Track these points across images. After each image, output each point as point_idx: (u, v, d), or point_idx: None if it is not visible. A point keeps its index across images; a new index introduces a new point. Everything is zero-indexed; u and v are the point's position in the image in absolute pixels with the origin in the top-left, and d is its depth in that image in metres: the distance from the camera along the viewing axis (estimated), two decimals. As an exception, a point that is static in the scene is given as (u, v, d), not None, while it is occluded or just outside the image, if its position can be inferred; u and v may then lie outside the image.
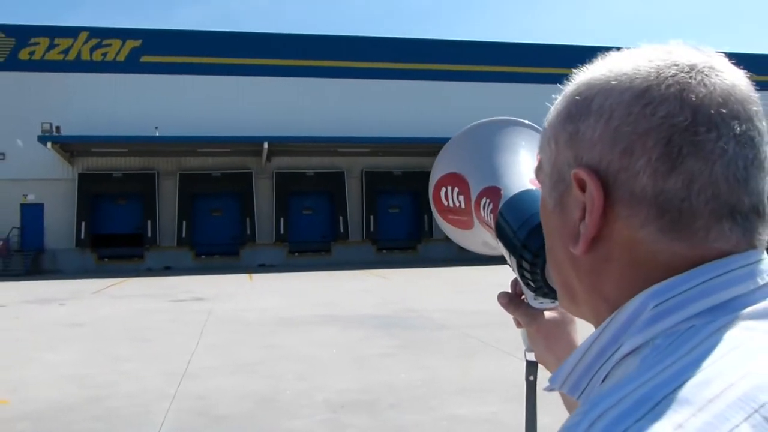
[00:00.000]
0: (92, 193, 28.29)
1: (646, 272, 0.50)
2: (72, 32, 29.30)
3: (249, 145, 28.42)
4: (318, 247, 30.15)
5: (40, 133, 26.25)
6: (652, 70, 0.50)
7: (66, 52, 28.97)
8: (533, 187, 0.86)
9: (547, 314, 0.85)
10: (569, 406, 0.75)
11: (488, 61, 32.45)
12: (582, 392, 0.52)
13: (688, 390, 0.41)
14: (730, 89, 0.49)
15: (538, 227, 0.72)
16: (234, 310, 12.69)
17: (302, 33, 31.81)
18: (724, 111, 0.48)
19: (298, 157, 30.05)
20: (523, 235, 0.79)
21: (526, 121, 1.01)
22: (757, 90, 0.52)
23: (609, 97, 0.51)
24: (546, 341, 0.85)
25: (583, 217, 0.52)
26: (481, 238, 0.98)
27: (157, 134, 27.70)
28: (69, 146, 27.56)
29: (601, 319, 0.52)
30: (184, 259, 28.63)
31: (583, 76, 0.55)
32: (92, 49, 29.19)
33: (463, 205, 0.98)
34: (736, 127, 0.48)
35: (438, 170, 1.02)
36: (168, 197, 28.93)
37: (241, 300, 14.78)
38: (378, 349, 8.17)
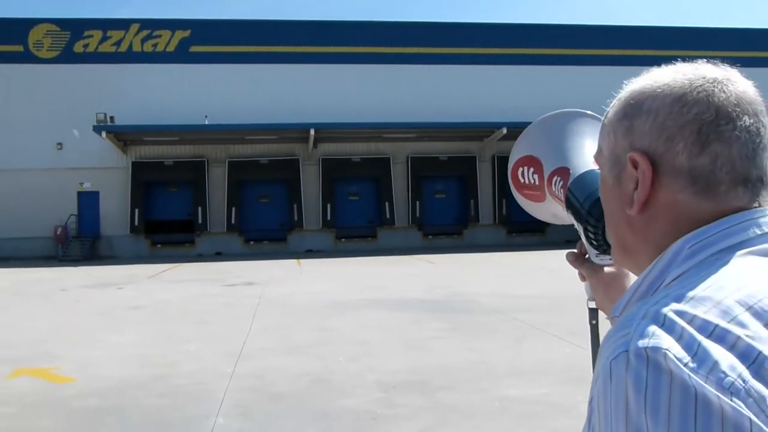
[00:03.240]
0: (145, 180, 29.06)
1: (684, 224, 0.69)
2: (123, 24, 30.01)
3: (296, 132, 28.72)
4: (364, 233, 30.35)
5: (95, 123, 27.03)
6: (686, 81, 0.70)
7: (118, 44, 29.71)
8: (595, 168, 1.04)
9: (606, 269, 1.06)
10: None
11: (534, 44, 31.97)
12: None
13: (709, 293, 0.61)
14: (742, 94, 0.69)
15: (600, 199, 0.90)
16: (284, 294, 12.95)
17: (348, 20, 31.87)
18: (738, 110, 0.68)
19: (344, 143, 30.24)
20: (588, 205, 0.99)
21: (590, 112, 1.20)
22: None
23: (655, 100, 0.70)
24: (605, 290, 1.05)
25: (636, 188, 0.71)
26: (551, 209, 1.19)
27: (206, 123, 28.25)
28: (122, 135, 28.32)
29: (652, 261, 0.71)
30: (233, 244, 29.21)
31: (635, 85, 0.74)
32: (143, 41, 29.86)
33: (537, 182, 1.18)
34: (746, 120, 0.68)
35: (516, 153, 1.22)
36: (217, 184, 29.50)
37: (291, 284, 15.05)
38: (428, 332, 8.27)
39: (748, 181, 0.68)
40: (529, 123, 1.23)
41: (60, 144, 28.78)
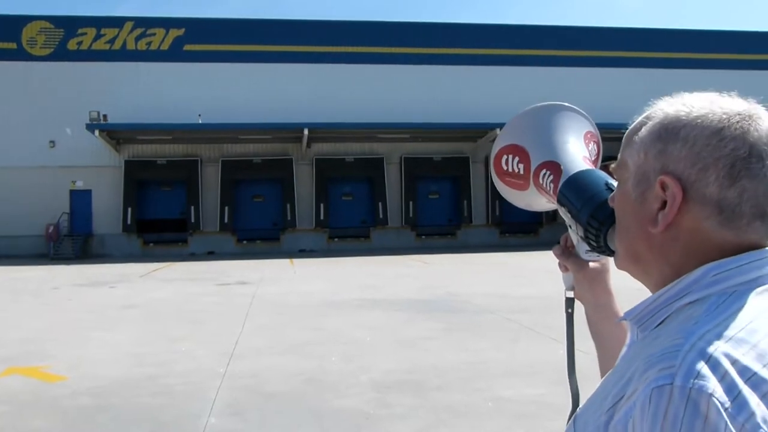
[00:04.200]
0: (138, 179, 28.97)
1: (704, 249, 0.74)
2: (117, 22, 29.92)
3: (289, 131, 28.69)
4: (357, 233, 30.35)
5: (88, 122, 26.93)
6: (724, 116, 0.73)
7: (112, 41, 29.60)
8: (589, 167, 1.09)
9: (591, 264, 1.10)
10: (601, 334, 1.08)
11: (528, 45, 32.06)
12: (641, 325, 0.78)
13: (745, 334, 0.66)
14: None
15: (604, 203, 0.96)
16: (277, 293, 12.93)
17: (343, 19, 31.86)
18: (767, 148, 0.73)
19: (337, 143, 30.23)
20: (591, 207, 0.99)
21: (573, 106, 1.23)
22: None
23: (693, 130, 0.74)
24: (589, 284, 1.10)
25: (661, 209, 0.75)
26: (528, 199, 1.23)
27: (200, 122, 28.18)
28: (116, 134, 28.24)
29: (665, 277, 0.77)
30: (226, 244, 29.15)
31: (669, 108, 0.78)
32: (137, 39, 29.77)
33: (522, 172, 1.19)
34: None
35: (502, 140, 1.22)
36: (211, 183, 29.44)
37: (284, 284, 15.02)
38: (422, 332, 8.26)
39: (765, 216, 0.73)
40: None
41: (53, 142, 28.65)
